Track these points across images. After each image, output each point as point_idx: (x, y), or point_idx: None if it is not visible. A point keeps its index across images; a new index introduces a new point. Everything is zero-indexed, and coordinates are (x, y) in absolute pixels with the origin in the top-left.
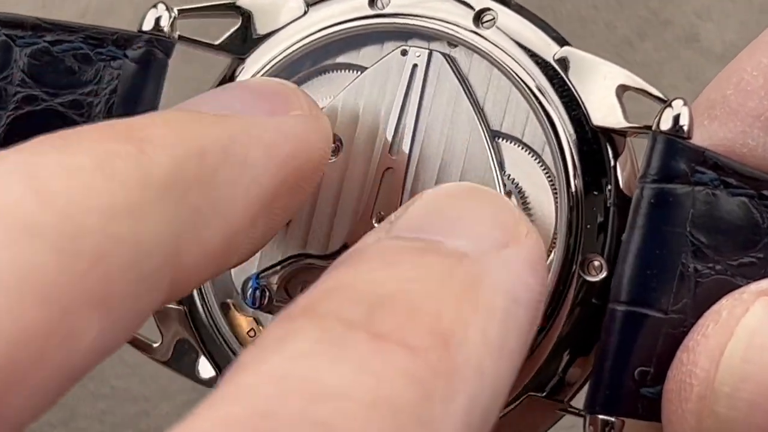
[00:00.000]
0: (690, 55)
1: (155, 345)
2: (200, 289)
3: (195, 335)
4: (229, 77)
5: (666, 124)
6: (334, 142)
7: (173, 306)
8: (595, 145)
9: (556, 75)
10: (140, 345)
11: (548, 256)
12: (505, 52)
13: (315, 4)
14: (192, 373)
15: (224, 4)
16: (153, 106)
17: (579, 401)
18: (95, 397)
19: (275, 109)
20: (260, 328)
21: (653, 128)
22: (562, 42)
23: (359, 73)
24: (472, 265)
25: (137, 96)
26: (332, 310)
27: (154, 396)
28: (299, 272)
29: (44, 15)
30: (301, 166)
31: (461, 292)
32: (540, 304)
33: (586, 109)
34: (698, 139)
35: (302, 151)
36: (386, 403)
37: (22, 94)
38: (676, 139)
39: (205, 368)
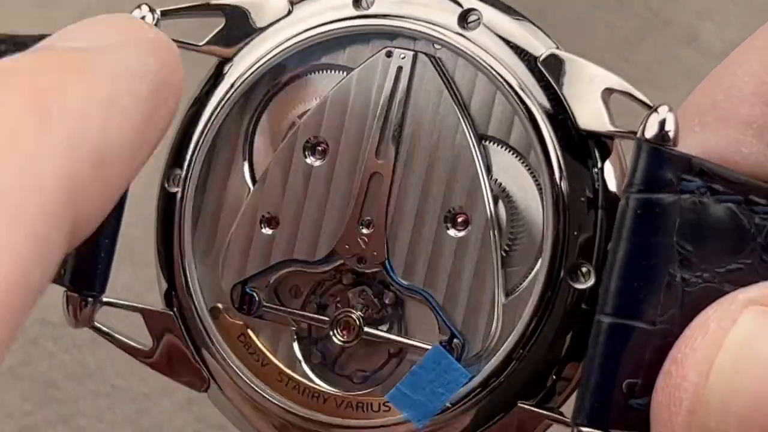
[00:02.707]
0: (690, 55)
1: (145, 349)
2: (190, 294)
3: (185, 339)
4: (216, 75)
5: (651, 131)
6: (320, 145)
7: (163, 310)
8: (581, 148)
9: (542, 78)
10: (130, 349)
11: (537, 260)
12: (491, 54)
13: (299, 2)
14: (183, 377)
15: (208, 4)
16: None
17: (568, 408)
18: (95, 396)
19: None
20: (249, 332)
21: (638, 135)
22: (549, 44)
23: (344, 74)
24: (80, 52)
25: None
26: None
27: (153, 394)
28: (288, 277)
29: (43, 14)
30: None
31: (66, 66)
32: (166, 82)
33: (572, 112)
34: (690, 147)
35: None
36: None
37: None
38: (661, 148)
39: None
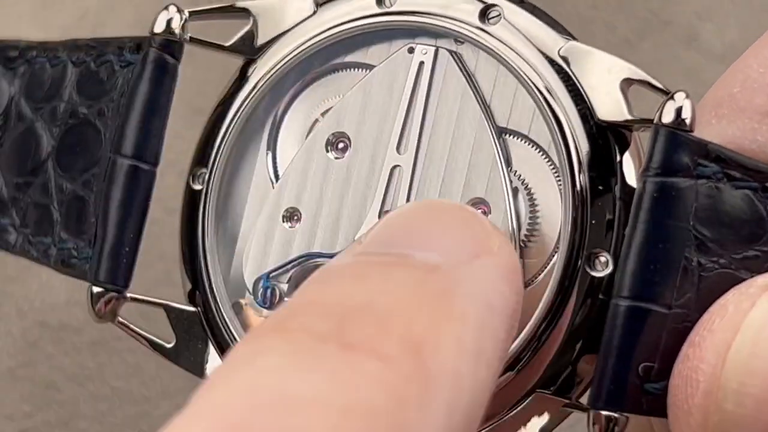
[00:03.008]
0: (690, 55)
1: (168, 346)
2: (213, 291)
3: (209, 336)
4: (241, 77)
5: (668, 117)
6: (341, 141)
7: (187, 308)
8: (600, 140)
9: (561, 70)
10: (154, 346)
11: (554, 251)
12: (511, 48)
13: (324, 3)
14: (206, 374)
15: (234, 5)
16: (165, 110)
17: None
18: (95, 398)
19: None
20: None
21: (655, 121)
22: (568, 37)
23: (367, 71)
24: (442, 275)
25: (148, 99)
26: (301, 325)
27: (154, 397)
28: (309, 271)
29: (45, 15)
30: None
31: (433, 302)
32: (515, 312)
33: (591, 103)
34: (707, 138)
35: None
36: (359, 409)
37: (69, 109)
38: (678, 132)
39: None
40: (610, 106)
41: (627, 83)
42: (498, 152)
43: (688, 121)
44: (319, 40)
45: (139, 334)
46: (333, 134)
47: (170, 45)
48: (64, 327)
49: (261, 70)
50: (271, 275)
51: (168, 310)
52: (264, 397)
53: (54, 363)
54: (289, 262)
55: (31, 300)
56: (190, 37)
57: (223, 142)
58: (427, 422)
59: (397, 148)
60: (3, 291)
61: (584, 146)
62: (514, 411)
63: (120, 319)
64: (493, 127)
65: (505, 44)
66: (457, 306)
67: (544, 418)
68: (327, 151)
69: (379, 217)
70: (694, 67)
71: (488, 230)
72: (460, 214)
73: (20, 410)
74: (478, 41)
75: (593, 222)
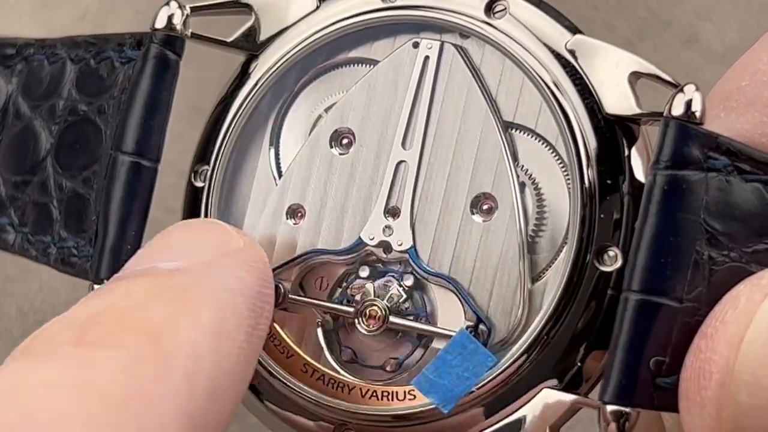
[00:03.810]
0: (690, 55)
1: None
2: None
3: None
4: (243, 73)
5: (678, 110)
6: (346, 136)
7: None
8: (608, 133)
9: (568, 64)
10: None
11: (562, 246)
12: (517, 42)
13: None
14: None
15: (237, 1)
16: (166, 106)
17: (594, 395)
18: None
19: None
20: (275, 325)
21: (665, 114)
22: (574, 30)
23: (371, 66)
24: (181, 276)
25: (149, 95)
26: (43, 339)
27: None
28: (314, 268)
29: (45, 14)
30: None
31: (170, 297)
32: (262, 295)
33: (598, 97)
34: (716, 131)
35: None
36: (90, 386)
37: (68, 106)
38: (688, 125)
39: None
40: (618, 100)
41: (635, 76)
42: (504, 147)
43: (698, 114)
44: (323, 36)
45: None
46: (337, 130)
47: (172, 40)
48: None
49: (263, 67)
50: (275, 272)
51: None
52: (7, 397)
53: None
54: (294, 259)
55: (31, 299)
56: (192, 33)
57: (226, 139)
58: (165, 390)
59: (403, 144)
60: (3, 290)
61: (592, 140)
62: (523, 407)
63: None
64: (499, 121)
65: (511, 38)
66: (193, 294)
67: (553, 413)
68: (331, 147)
69: (385, 212)
70: (694, 67)
71: (230, 233)
72: (200, 226)
73: None
74: (484, 35)
75: (602, 216)
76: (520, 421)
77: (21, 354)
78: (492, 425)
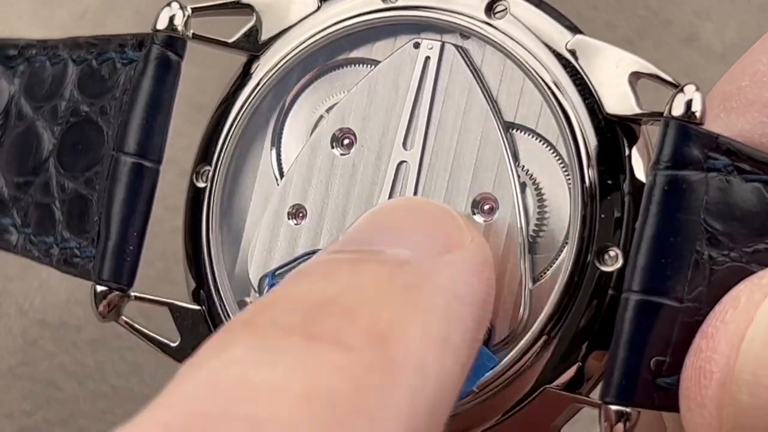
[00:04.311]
0: (690, 55)
1: (173, 345)
2: (218, 289)
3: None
4: (244, 74)
5: (678, 110)
6: (347, 137)
7: (192, 306)
8: (609, 134)
9: (568, 64)
10: (159, 345)
11: (563, 246)
12: (518, 43)
13: None
14: None
15: (238, 1)
16: (168, 107)
17: (595, 395)
18: (95, 397)
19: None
20: None
21: (665, 114)
22: (574, 31)
23: (372, 67)
24: (411, 269)
25: (150, 96)
26: (268, 319)
27: (154, 395)
28: None
29: (45, 13)
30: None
31: (400, 294)
32: (485, 303)
33: (599, 97)
34: (716, 132)
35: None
36: (318, 394)
37: (70, 107)
38: (688, 125)
39: None
40: (619, 100)
41: (635, 77)
42: (505, 147)
43: (698, 114)
44: (324, 36)
45: (144, 334)
46: (338, 130)
47: (173, 41)
48: (64, 325)
49: (265, 67)
50: (276, 273)
51: (172, 308)
52: (225, 386)
53: (54, 361)
54: (295, 260)
55: (31, 298)
56: (193, 34)
57: (227, 140)
58: (389, 407)
59: (404, 144)
60: (3, 289)
61: (593, 140)
62: (523, 407)
63: (124, 318)
64: (500, 121)
65: (511, 38)
66: (423, 297)
67: (554, 413)
68: (332, 148)
69: None
70: (694, 66)
71: (460, 225)
72: (432, 211)
73: (20, 408)
74: (485, 35)
75: (602, 216)
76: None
77: (243, 334)
78: (492, 425)
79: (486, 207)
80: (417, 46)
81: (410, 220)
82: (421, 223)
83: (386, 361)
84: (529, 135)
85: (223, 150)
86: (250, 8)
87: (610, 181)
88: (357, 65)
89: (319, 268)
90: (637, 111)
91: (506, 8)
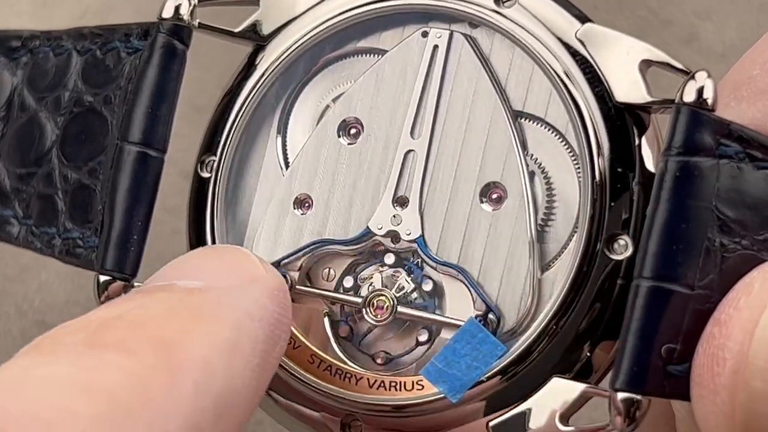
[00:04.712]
0: (690, 55)
1: None
2: None
3: None
4: (249, 64)
5: (689, 96)
6: (354, 126)
7: None
8: (619, 122)
9: (578, 52)
10: None
11: (572, 235)
12: (527, 31)
13: None
14: None
15: None
16: (173, 96)
17: (604, 384)
18: None
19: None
20: None
21: (676, 100)
22: (583, 20)
23: (380, 56)
24: (200, 295)
25: (156, 85)
26: (56, 337)
27: None
28: (321, 258)
29: (45, 13)
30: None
31: (186, 312)
32: (280, 323)
33: (609, 85)
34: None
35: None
36: (99, 388)
37: (74, 98)
38: (700, 111)
39: None
40: (629, 88)
41: (645, 64)
42: (514, 136)
43: (710, 101)
44: (331, 25)
45: None
46: (345, 120)
47: (179, 30)
48: None
49: (271, 57)
50: (282, 262)
51: None
52: (15, 389)
53: None
54: (301, 249)
55: (30, 299)
56: (199, 23)
57: (233, 129)
58: (173, 400)
59: (411, 133)
60: (3, 290)
61: (603, 129)
62: (533, 396)
63: None
64: (508, 110)
65: (521, 27)
66: (210, 313)
67: (563, 402)
68: (339, 137)
69: (393, 202)
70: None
71: (253, 260)
72: (224, 250)
73: None
74: (494, 24)
75: (612, 205)
76: (529, 410)
77: (31, 349)
78: (503, 413)
79: (494, 196)
80: (425, 35)
81: (202, 258)
82: (211, 260)
83: (169, 363)
84: (537, 124)
85: (229, 140)
86: None
87: (619, 170)
88: (364, 55)
89: (109, 303)
90: (648, 99)
91: None
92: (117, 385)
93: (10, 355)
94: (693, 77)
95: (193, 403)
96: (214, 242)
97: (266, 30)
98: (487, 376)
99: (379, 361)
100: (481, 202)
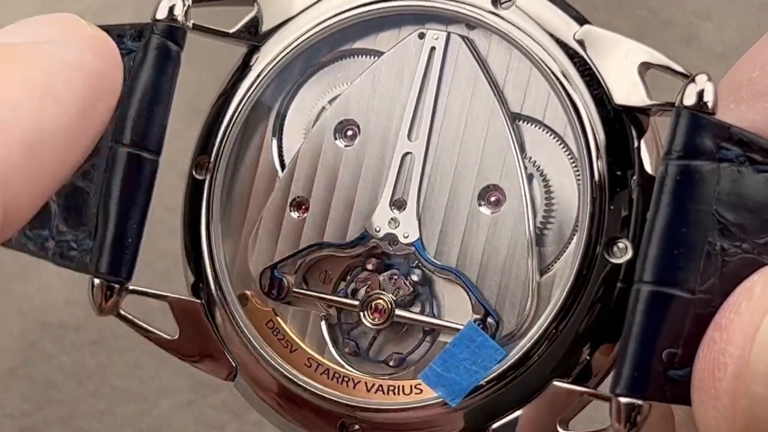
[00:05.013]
0: (690, 55)
1: (171, 339)
2: (217, 282)
3: (213, 328)
4: (244, 65)
5: (690, 99)
6: (350, 128)
7: (191, 299)
8: (617, 125)
9: (576, 54)
10: (156, 338)
11: (571, 238)
12: (525, 33)
13: None
14: (209, 366)
15: None
16: (167, 97)
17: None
18: (95, 397)
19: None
20: (278, 319)
21: (676, 104)
22: (582, 21)
23: (376, 58)
24: (18, 46)
25: (150, 86)
26: None
27: (153, 395)
28: (318, 262)
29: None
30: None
31: (1, 59)
32: (103, 79)
33: (607, 88)
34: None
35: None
36: None
37: None
38: (700, 115)
39: None
40: (628, 91)
41: (644, 67)
42: (512, 138)
43: (710, 104)
44: (326, 27)
45: (142, 327)
46: (341, 121)
47: (173, 31)
48: (64, 326)
49: (266, 58)
50: (278, 265)
51: (171, 302)
52: None
53: (54, 362)
54: (297, 252)
55: (31, 299)
56: (193, 24)
57: (228, 131)
58: None
59: (408, 135)
60: (3, 290)
61: (601, 131)
62: (531, 400)
63: (122, 312)
64: (506, 112)
65: (518, 29)
66: (25, 58)
67: (562, 406)
68: (335, 139)
69: (390, 204)
70: (693, 66)
71: (83, 24)
72: (48, 15)
73: (20, 409)
74: (491, 26)
75: (611, 208)
76: (528, 415)
77: None
78: (502, 419)
79: (492, 199)
80: (422, 36)
81: (29, 21)
82: (41, 20)
83: None
84: (535, 126)
85: (224, 142)
86: None
87: (618, 173)
88: (360, 56)
89: None
90: (647, 101)
91: None
92: None
93: (10, 355)
94: (693, 80)
95: None
96: (209, 245)
97: (261, 31)
98: (486, 380)
99: (392, 363)
100: (480, 205)
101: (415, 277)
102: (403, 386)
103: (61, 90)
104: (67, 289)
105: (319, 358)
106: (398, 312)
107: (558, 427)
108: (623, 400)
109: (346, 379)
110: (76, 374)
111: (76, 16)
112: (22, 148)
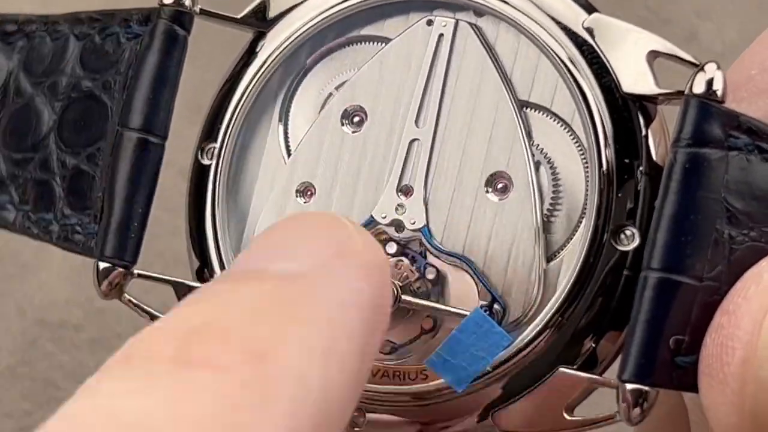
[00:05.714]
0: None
1: None
2: (223, 268)
3: None
4: (250, 51)
5: (699, 88)
6: (357, 114)
7: (196, 285)
8: (625, 113)
9: (585, 42)
10: None
11: (578, 226)
12: (534, 20)
13: None
14: None
15: None
16: (174, 82)
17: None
18: None
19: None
20: None
21: (686, 92)
22: (590, 9)
23: (384, 44)
24: (295, 283)
25: (157, 71)
26: (143, 352)
27: None
28: None
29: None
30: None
31: (278, 310)
32: (380, 307)
33: (616, 76)
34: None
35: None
36: (187, 418)
37: (72, 83)
38: (709, 103)
39: None
40: (636, 79)
41: (653, 55)
42: (519, 125)
43: (719, 93)
44: (334, 13)
45: (147, 312)
46: (348, 107)
47: (180, 16)
48: (64, 325)
49: (273, 44)
50: None
51: (176, 287)
52: (92, 420)
53: (53, 361)
54: None
55: (30, 298)
56: (201, 9)
57: (234, 116)
58: (266, 421)
59: (416, 122)
60: (3, 289)
61: (609, 119)
62: (537, 387)
63: (127, 296)
64: (514, 99)
65: (527, 16)
66: (302, 310)
67: (568, 393)
68: (342, 125)
69: (397, 190)
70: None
71: (350, 233)
72: (320, 221)
73: (20, 408)
74: (500, 13)
75: (619, 195)
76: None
77: (117, 369)
78: (507, 404)
79: (500, 185)
80: (430, 23)
81: (296, 233)
82: (307, 235)
83: (262, 378)
84: (543, 114)
85: (230, 127)
86: None
87: (626, 161)
88: (368, 42)
89: (200, 295)
90: (656, 90)
91: None
92: (206, 412)
93: (10, 354)
94: (702, 69)
95: (289, 422)
96: (215, 230)
97: (269, 16)
98: (492, 366)
99: (386, 350)
100: (487, 191)
101: (420, 263)
102: (408, 372)
103: (341, 343)
104: (67, 288)
105: None
106: (404, 297)
107: (564, 413)
108: (630, 386)
109: None
110: (76, 373)
111: (338, 216)
112: (311, 424)
